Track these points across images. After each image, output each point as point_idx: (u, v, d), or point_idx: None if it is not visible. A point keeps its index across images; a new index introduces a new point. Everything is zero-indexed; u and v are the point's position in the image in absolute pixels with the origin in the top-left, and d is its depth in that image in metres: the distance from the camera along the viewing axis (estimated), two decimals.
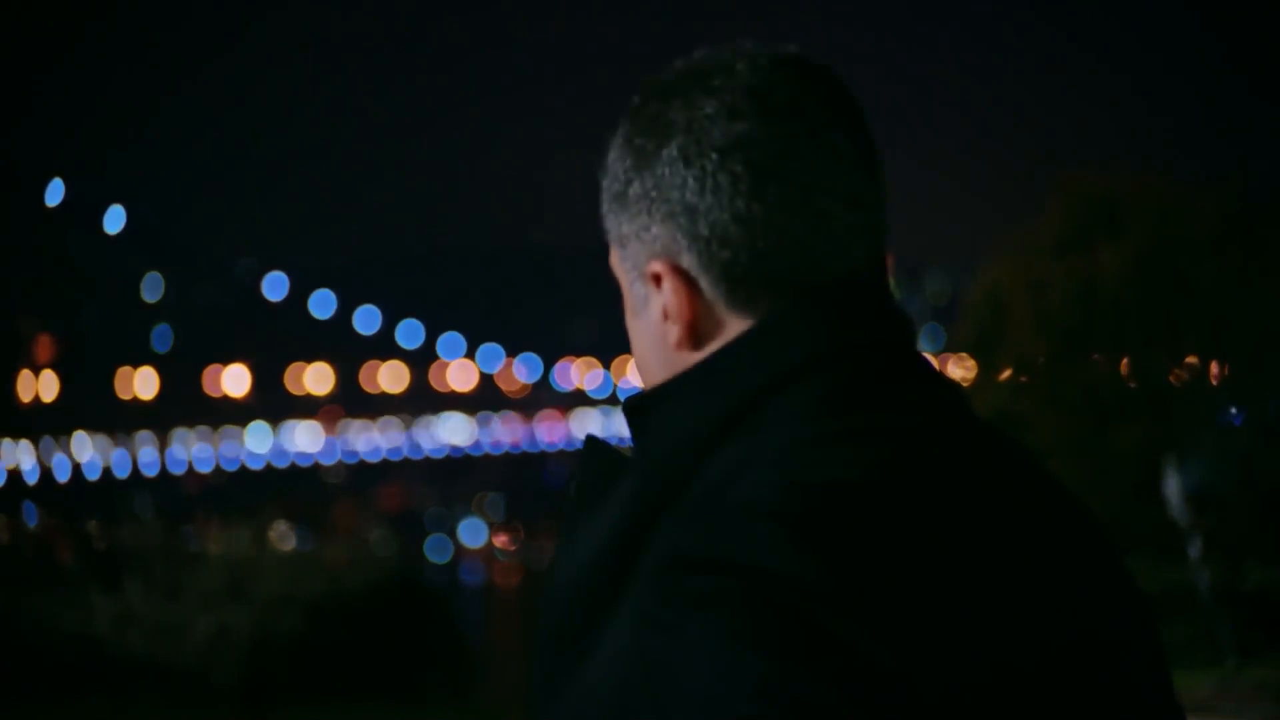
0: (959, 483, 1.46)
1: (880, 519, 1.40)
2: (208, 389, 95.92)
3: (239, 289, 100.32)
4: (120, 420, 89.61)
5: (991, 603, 1.42)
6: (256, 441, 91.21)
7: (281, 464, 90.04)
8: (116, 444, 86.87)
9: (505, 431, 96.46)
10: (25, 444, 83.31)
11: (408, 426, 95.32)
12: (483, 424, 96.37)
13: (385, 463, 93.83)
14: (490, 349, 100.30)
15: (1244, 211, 18.30)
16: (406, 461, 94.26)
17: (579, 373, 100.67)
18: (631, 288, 1.56)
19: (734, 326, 1.50)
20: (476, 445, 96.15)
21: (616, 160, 1.54)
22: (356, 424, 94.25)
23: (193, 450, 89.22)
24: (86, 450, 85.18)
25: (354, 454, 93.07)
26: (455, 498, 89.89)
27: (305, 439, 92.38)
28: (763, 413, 1.47)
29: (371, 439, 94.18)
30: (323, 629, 22.24)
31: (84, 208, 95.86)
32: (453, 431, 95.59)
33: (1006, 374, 18.50)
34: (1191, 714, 1.74)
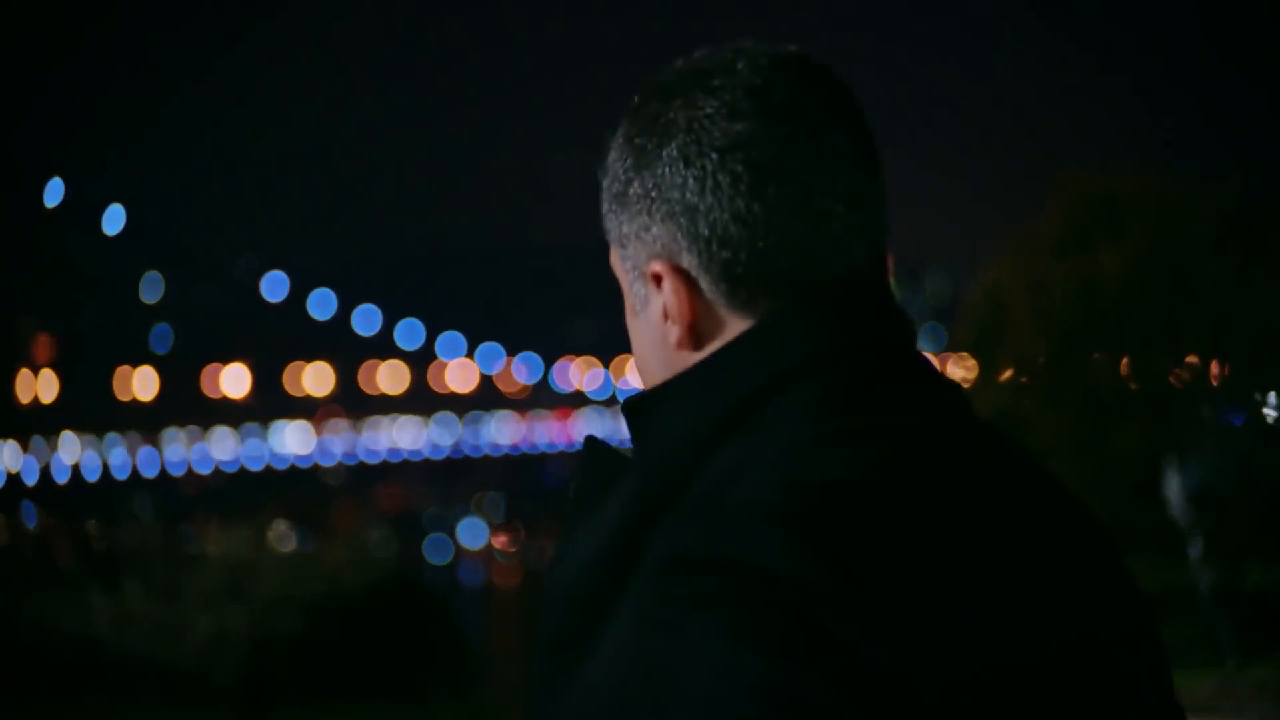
0: (959, 483, 1.46)
1: (880, 519, 1.40)
2: (207, 389, 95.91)
3: (238, 289, 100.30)
4: (119, 420, 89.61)
5: (991, 603, 1.42)
6: (255, 442, 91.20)
7: (281, 465, 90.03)
8: (115, 444, 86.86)
9: (505, 432, 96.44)
10: (23, 443, 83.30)
11: (404, 427, 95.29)
12: (477, 423, 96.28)
13: (385, 463, 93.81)
14: (490, 348, 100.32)
15: (1244, 211, 18.31)
16: (406, 463, 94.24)
17: (579, 372, 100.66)
18: (632, 288, 1.56)
19: (734, 326, 1.50)
20: (476, 446, 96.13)
21: (617, 160, 1.54)
22: (356, 424, 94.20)
23: (192, 450, 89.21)
24: (78, 450, 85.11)
25: (353, 455, 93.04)
26: (455, 498, 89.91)
27: (303, 440, 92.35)
28: (763, 413, 1.46)
29: (370, 439, 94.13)
30: (323, 629, 22.25)
31: (84, 208, 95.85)
32: (444, 433, 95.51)
33: (1007, 374, 18.51)
34: (1192, 714, 1.74)
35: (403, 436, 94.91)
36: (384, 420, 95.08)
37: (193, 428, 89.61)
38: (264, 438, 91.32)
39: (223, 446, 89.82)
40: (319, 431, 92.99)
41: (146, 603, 21.51)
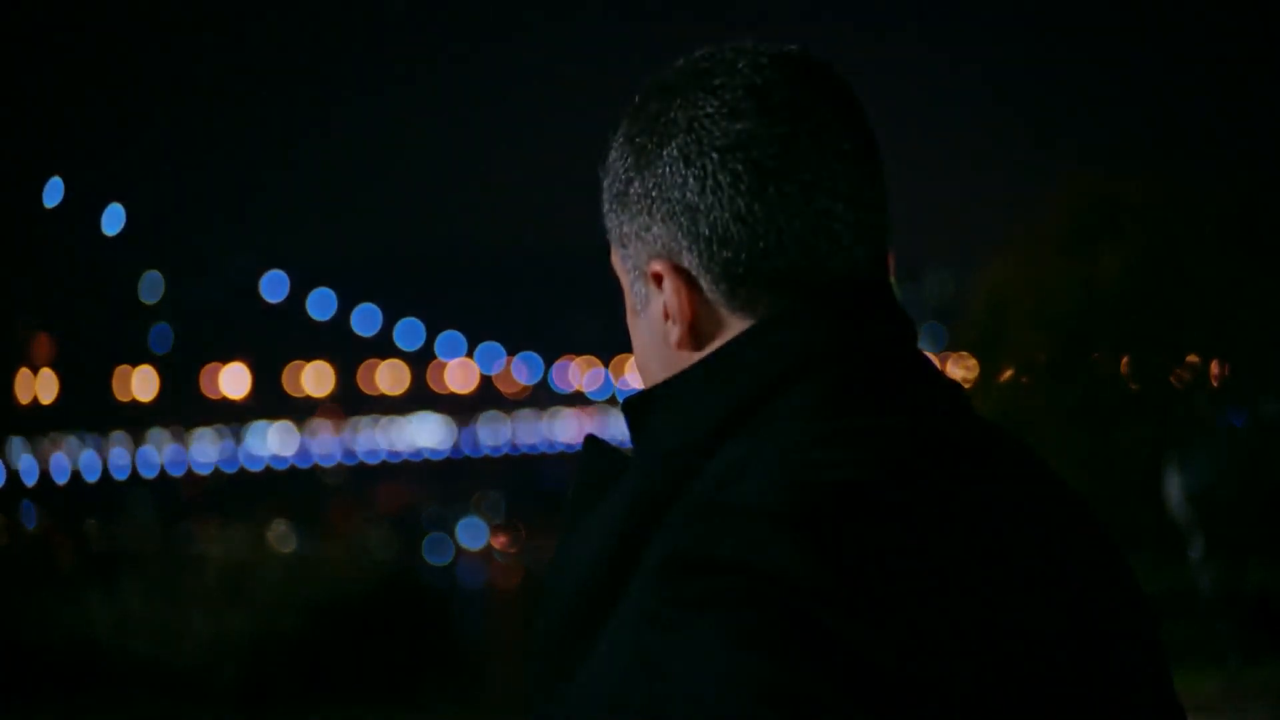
0: (960, 483, 1.46)
1: (881, 519, 1.40)
2: (206, 389, 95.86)
3: (238, 289, 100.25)
4: (119, 420, 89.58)
5: (993, 602, 1.42)
6: (255, 442, 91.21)
7: (280, 465, 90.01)
8: (115, 444, 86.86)
9: (504, 432, 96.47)
10: (24, 443, 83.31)
11: (407, 426, 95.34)
12: (469, 425, 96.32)
13: (385, 463, 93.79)
14: (490, 348, 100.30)
15: (1244, 211, 18.31)
16: (406, 463, 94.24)
17: (579, 372, 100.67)
18: (632, 287, 1.55)
19: (735, 326, 1.50)
20: (475, 446, 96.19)
21: (618, 159, 1.54)
22: (356, 424, 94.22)
23: (191, 451, 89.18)
24: (76, 450, 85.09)
25: (353, 455, 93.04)
26: (455, 498, 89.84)
27: (301, 440, 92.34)
28: (764, 412, 1.46)
29: (370, 439, 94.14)
30: (323, 629, 22.26)
31: (83, 208, 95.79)
32: (431, 434, 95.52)
33: (1007, 374, 18.48)
34: (1193, 714, 1.74)
35: (407, 436, 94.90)
36: (384, 420, 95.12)
37: (201, 428, 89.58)
38: (258, 438, 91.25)
39: (221, 447, 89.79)
40: (317, 431, 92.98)
41: (146, 603, 21.53)
